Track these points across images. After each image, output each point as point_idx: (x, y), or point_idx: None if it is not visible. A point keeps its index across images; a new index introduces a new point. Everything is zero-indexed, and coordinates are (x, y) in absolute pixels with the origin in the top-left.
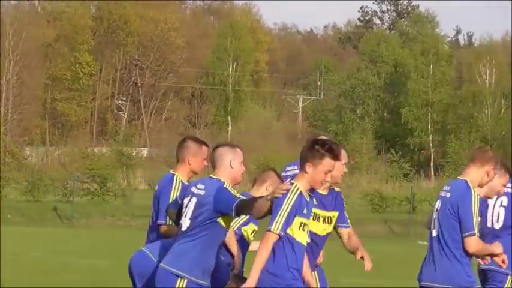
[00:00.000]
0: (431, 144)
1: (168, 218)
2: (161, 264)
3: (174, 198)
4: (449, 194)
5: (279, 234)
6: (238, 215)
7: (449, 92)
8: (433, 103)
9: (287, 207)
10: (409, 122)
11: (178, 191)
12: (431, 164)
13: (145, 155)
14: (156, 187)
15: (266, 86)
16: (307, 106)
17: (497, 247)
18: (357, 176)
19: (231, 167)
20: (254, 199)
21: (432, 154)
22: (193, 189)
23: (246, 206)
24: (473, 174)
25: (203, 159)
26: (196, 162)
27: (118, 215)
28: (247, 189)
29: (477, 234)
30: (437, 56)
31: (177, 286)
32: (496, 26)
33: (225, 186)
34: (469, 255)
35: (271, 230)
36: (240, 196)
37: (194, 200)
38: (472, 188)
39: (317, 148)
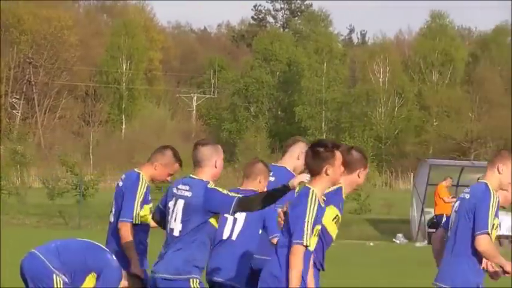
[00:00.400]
0: None
1: (134, 217)
2: (164, 275)
3: (156, 204)
4: (468, 196)
5: (306, 246)
6: (236, 213)
7: (342, 90)
8: (326, 101)
9: (311, 218)
10: (303, 120)
11: (144, 189)
12: None
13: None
14: (120, 184)
15: (160, 85)
16: (201, 104)
17: (509, 265)
18: None
19: (215, 167)
20: (259, 194)
21: None
22: (176, 190)
23: (252, 203)
24: (490, 177)
25: (168, 174)
26: (162, 172)
27: (12, 213)
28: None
29: (491, 234)
30: (331, 55)
31: (192, 286)
32: (389, 24)
33: (211, 187)
34: (479, 258)
35: (303, 243)
36: (233, 194)
37: (181, 202)
38: (491, 189)
39: (328, 149)
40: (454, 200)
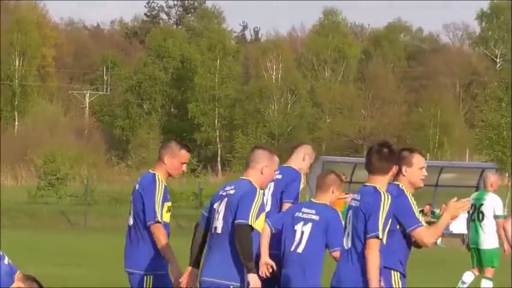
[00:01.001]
0: (218, 140)
1: (158, 216)
2: (214, 279)
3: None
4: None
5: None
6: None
7: (236, 87)
8: (220, 98)
9: (387, 211)
10: (196, 117)
11: (162, 188)
12: (219, 159)
13: None
14: (137, 187)
15: (53, 81)
16: (94, 101)
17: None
18: (143, 171)
19: (261, 173)
20: (248, 246)
21: (219, 149)
22: (222, 192)
23: (246, 240)
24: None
25: (180, 163)
26: (173, 164)
27: None
28: None
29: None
30: (224, 52)
31: None
32: (283, 21)
33: (253, 194)
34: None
35: (379, 236)
36: (254, 214)
37: (225, 200)
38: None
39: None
40: (347, 196)
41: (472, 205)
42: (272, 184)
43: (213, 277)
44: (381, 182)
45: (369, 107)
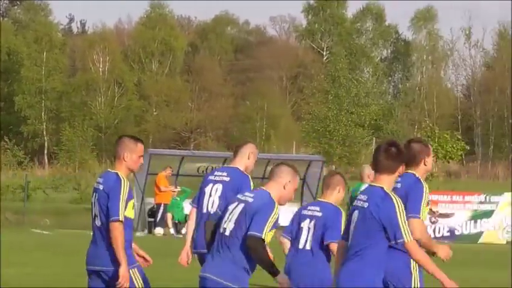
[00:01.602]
0: (45, 132)
1: (120, 215)
2: (219, 279)
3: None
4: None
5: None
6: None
7: (62, 80)
8: (46, 91)
9: (404, 213)
10: (23, 109)
11: (127, 188)
12: (45, 152)
13: None
14: (101, 187)
15: None
16: None
17: None
18: None
19: (284, 188)
20: (266, 257)
21: (46, 142)
22: (241, 196)
23: (261, 250)
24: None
25: (138, 157)
26: (132, 160)
27: None
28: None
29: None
30: (51, 44)
31: None
32: (109, 14)
33: (271, 207)
34: None
35: (410, 239)
36: (268, 230)
37: (241, 206)
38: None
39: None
40: (173, 188)
41: (350, 197)
42: (220, 185)
43: (219, 277)
44: (387, 182)
45: (195, 99)
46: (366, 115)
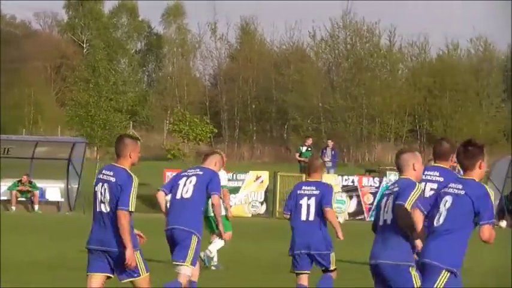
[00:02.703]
0: None
1: (130, 206)
2: (394, 262)
3: None
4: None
5: None
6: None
7: None
8: None
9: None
10: None
11: (137, 183)
12: None
13: None
14: (112, 180)
15: None
16: None
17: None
18: None
19: (414, 169)
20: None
21: None
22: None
23: (407, 216)
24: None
25: (138, 152)
26: (136, 156)
27: None
28: None
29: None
30: None
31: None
32: None
33: (414, 185)
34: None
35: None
36: (412, 202)
37: (392, 196)
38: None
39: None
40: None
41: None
42: (194, 178)
43: (392, 260)
44: (476, 175)
45: None
46: (124, 101)
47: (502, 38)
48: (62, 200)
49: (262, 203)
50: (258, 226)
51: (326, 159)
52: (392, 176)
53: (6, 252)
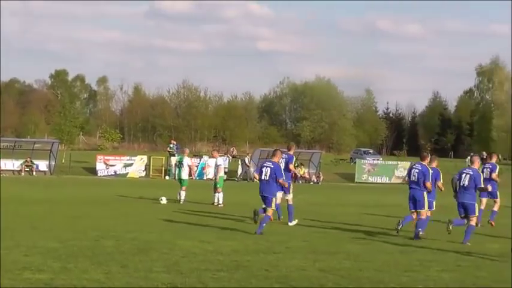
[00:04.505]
0: None
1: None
2: None
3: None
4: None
5: None
6: None
7: None
8: None
9: None
10: None
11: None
12: None
13: None
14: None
15: None
16: None
17: None
18: None
19: None
20: None
21: None
22: None
23: None
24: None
25: None
26: None
27: None
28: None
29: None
30: None
31: None
32: None
33: None
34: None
35: None
36: None
37: None
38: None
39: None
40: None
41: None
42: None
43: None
44: None
45: None
46: (78, 122)
47: None
48: (47, 170)
49: None
50: None
51: None
52: None
53: (20, 192)
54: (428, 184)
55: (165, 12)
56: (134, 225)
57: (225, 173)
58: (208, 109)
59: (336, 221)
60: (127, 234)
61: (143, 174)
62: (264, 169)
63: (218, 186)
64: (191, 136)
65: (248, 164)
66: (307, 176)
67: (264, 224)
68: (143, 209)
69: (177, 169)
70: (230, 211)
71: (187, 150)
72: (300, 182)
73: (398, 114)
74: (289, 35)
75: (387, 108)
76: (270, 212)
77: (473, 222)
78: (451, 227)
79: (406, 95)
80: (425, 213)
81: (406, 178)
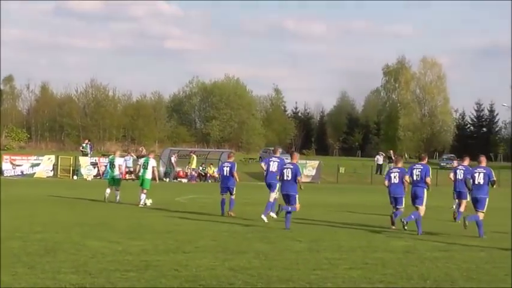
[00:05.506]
0: None
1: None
2: None
3: None
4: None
5: None
6: None
7: None
8: None
9: None
10: None
11: None
12: None
13: None
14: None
15: None
16: None
17: None
18: None
19: None
20: None
21: None
22: None
23: None
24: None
25: None
26: None
27: None
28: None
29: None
30: None
31: None
32: None
33: None
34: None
35: None
36: None
37: None
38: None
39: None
40: None
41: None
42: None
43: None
44: None
45: None
46: None
47: None
48: None
49: None
50: None
51: None
52: None
53: None
54: (428, 179)
55: (72, 10)
56: (41, 225)
57: (130, 172)
58: (117, 108)
59: (246, 221)
60: (34, 235)
61: (51, 174)
62: (285, 170)
63: (143, 187)
64: (100, 135)
65: (174, 164)
66: (216, 175)
67: (289, 221)
68: (50, 209)
69: (108, 170)
70: (139, 211)
71: (118, 152)
72: (210, 181)
73: (307, 113)
74: (198, 34)
75: (296, 108)
76: (297, 207)
77: (481, 216)
78: (467, 222)
79: (314, 94)
80: (423, 209)
81: (409, 178)
